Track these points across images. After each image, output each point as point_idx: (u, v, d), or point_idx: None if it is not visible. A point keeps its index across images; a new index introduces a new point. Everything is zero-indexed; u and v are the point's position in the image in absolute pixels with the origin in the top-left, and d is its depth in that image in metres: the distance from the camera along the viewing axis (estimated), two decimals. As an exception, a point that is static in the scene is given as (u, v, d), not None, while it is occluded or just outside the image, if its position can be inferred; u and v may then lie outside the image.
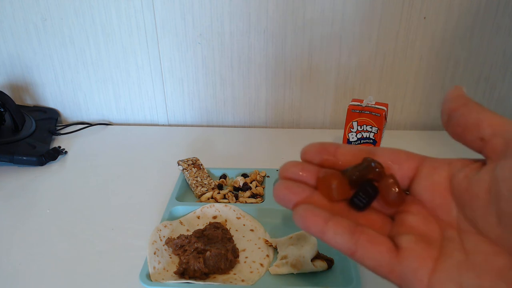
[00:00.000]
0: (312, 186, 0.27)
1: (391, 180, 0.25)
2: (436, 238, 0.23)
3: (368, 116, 0.65)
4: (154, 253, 0.48)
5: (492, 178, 0.21)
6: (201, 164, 0.67)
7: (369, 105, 0.66)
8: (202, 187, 0.62)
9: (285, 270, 0.47)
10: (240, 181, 0.64)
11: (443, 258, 0.22)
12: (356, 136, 0.68)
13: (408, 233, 0.24)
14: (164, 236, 0.51)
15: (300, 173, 0.27)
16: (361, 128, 0.67)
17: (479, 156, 0.23)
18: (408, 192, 0.26)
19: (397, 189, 0.25)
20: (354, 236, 0.24)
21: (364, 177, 0.26)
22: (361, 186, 0.26)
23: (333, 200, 0.26)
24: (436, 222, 0.24)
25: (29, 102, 0.92)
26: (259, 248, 0.52)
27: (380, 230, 0.25)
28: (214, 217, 0.56)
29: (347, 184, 0.26)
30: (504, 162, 0.21)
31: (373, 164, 0.25)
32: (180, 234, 0.51)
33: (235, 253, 0.50)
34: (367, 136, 0.67)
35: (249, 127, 0.90)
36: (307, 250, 0.48)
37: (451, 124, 0.24)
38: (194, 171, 0.65)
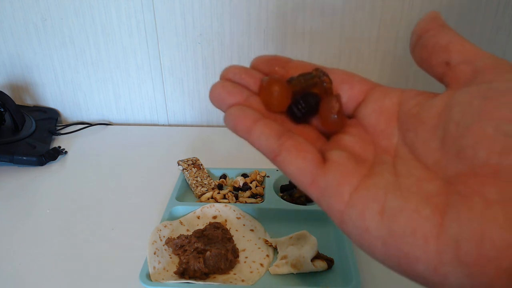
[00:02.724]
0: (253, 92, 0.25)
1: (334, 100, 0.23)
2: (369, 159, 0.22)
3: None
4: (154, 253, 0.48)
5: (447, 103, 0.20)
6: (201, 164, 0.67)
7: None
8: (202, 187, 0.62)
9: (285, 270, 0.47)
10: (240, 181, 0.64)
11: (371, 177, 0.21)
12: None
13: (339, 149, 0.22)
14: (164, 236, 0.51)
15: (243, 76, 0.25)
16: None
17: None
18: (351, 117, 0.25)
19: (338, 110, 0.23)
20: (281, 139, 0.22)
21: (309, 88, 0.23)
22: (303, 95, 0.23)
23: (272, 109, 0.24)
24: (373, 146, 0.23)
25: (29, 102, 0.92)
26: (259, 248, 0.52)
27: (313, 144, 0.23)
28: (214, 217, 0.56)
29: (290, 93, 0.24)
30: (467, 88, 0.20)
31: (321, 77, 0.23)
32: (180, 234, 0.51)
33: (235, 253, 0.50)
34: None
35: (249, 127, 0.90)
36: (307, 250, 0.48)
37: (419, 45, 0.22)
38: (194, 171, 0.65)
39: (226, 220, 0.56)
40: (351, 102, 0.24)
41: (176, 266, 0.48)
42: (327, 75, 0.24)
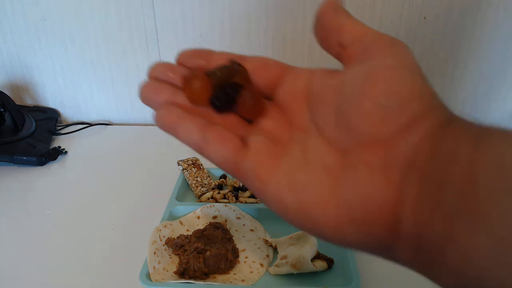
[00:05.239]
0: (179, 88, 0.27)
1: (251, 89, 0.25)
2: (285, 140, 0.24)
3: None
4: (154, 253, 0.48)
5: (341, 81, 0.22)
6: (201, 164, 0.67)
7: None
8: (202, 187, 0.62)
9: (285, 270, 0.47)
10: (240, 181, 0.64)
11: (285, 157, 0.23)
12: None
13: (259, 134, 0.24)
14: (164, 236, 0.51)
15: (169, 73, 0.27)
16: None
17: None
18: (270, 99, 0.27)
19: (255, 97, 0.25)
20: (204, 132, 0.24)
21: (226, 79, 0.25)
22: (222, 87, 0.25)
23: (196, 102, 0.26)
24: (289, 126, 0.25)
25: (29, 102, 0.92)
26: (259, 248, 0.52)
27: (235, 131, 0.25)
28: (214, 217, 0.56)
29: (209, 86, 0.25)
30: (355, 67, 0.22)
31: (236, 67, 0.25)
32: (180, 234, 0.51)
33: (235, 253, 0.50)
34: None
35: (249, 127, 0.90)
36: (307, 250, 0.48)
37: (317, 27, 0.25)
38: (194, 171, 0.65)
39: (226, 220, 0.56)
40: (269, 85, 0.27)
41: (176, 266, 0.48)
42: (241, 65, 0.25)
